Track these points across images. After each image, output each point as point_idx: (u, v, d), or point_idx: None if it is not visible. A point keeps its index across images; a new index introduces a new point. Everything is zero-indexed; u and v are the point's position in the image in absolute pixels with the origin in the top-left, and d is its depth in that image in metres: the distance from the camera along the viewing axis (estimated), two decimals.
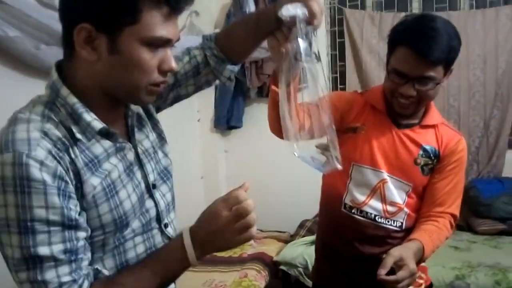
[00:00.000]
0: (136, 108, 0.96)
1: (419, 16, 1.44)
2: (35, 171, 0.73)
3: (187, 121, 3.53)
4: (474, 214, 3.05)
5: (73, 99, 0.81)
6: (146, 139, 0.96)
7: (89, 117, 0.82)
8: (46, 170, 0.74)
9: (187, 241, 0.83)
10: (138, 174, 0.91)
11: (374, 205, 1.43)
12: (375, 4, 3.40)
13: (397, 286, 1.24)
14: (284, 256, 2.76)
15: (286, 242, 3.02)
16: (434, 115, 1.46)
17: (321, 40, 3.43)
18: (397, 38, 1.32)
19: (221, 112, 3.46)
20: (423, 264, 1.52)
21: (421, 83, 1.29)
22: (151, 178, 0.93)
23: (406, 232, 1.45)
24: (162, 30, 0.79)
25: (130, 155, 0.90)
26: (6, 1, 1.77)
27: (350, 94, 1.60)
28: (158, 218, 0.95)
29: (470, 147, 3.20)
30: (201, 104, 3.62)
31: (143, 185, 0.91)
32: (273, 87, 1.14)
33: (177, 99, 1.13)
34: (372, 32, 3.21)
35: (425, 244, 1.34)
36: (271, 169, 3.61)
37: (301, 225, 3.15)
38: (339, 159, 0.94)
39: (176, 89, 1.10)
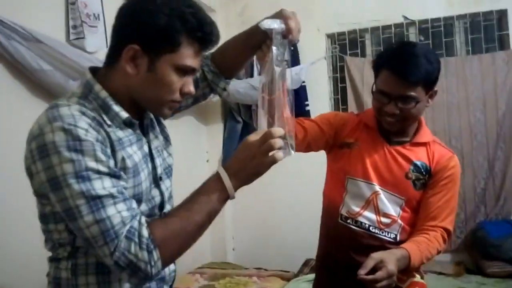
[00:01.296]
0: (149, 113, 1.15)
1: (401, 43, 1.60)
2: (83, 135, 0.91)
3: (197, 161, 3.73)
4: (483, 256, 3.02)
5: (104, 94, 1.01)
6: (156, 138, 1.16)
7: (117, 108, 1.01)
8: (90, 136, 0.92)
9: (222, 173, 0.99)
10: (149, 165, 1.09)
11: (368, 216, 1.53)
12: (375, 52, 3.63)
13: (375, 286, 1.31)
14: None
15: (290, 280, 3.03)
16: (425, 134, 1.57)
17: (324, 85, 3.68)
18: (381, 62, 1.49)
19: (228, 152, 3.64)
20: (422, 281, 1.57)
21: (403, 101, 1.43)
22: (159, 171, 1.11)
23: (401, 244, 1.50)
24: (191, 61, 1.01)
25: (145, 148, 1.09)
26: (43, 41, 2.12)
27: (346, 113, 1.79)
28: (161, 207, 1.11)
29: (475, 188, 3.26)
30: (210, 145, 3.84)
31: (151, 176, 1.09)
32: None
33: (178, 109, 1.30)
34: (372, 76, 3.24)
35: (411, 253, 1.41)
36: (276, 210, 3.71)
37: (305, 264, 3.18)
38: (293, 146, 1.08)
39: None
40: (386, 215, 1.52)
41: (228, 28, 3.78)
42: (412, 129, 1.56)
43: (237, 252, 3.86)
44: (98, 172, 0.91)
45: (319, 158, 1.82)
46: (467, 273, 3.04)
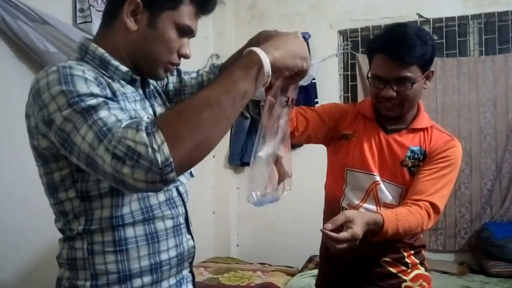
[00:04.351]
0: (151, 82, 1.23)
1: (393, 25, 1.70)
2: (78, 72, 0.95)
3: None
4: (487, 256, 3.34)
5: (101, 51, 1.08)
6: (159, 106, 1.25)
7: (116, 62, 1.08)
8: (88, 74, 0.96)
9: (256, 48, 0.96)
10: None
11: (368, 207, 1.62)
12: None
13: (335, 245, 1.35)
14: (292, 286, 3.10)
15: (294, 275, 3.34)
16: (423, 120, 1.66)
17: (335, 83, 3.99)
18: (374, 47, 1.59)
19: (235, 148, 3.95)
20: (427, 273, 1.70)
21: (398, 84, 1.53)
22: None
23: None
24: (190, 22, 1.10)
25: (150, 110, 1.17)
26: (50, 22, 2.29)
27: (346, 105, 1.92)
28: None
29: (482, 190, 3.57)
30: None
31: None
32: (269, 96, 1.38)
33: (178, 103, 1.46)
34: None
35: (386, 220, 1.44)
36: (281, 207, 3.98)
37: (310, 260, 3.50)
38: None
39: (179, 95, 1.40)
40: (386, 205, 1.61)
41: (238, 22, 4.11)
42: (411, 115, 1.66)
43: (241, 248, 4.18)
44: (91, 94, 0.91)
45: (323, 154, 2.01)
46: (470, 272, 3.37)
